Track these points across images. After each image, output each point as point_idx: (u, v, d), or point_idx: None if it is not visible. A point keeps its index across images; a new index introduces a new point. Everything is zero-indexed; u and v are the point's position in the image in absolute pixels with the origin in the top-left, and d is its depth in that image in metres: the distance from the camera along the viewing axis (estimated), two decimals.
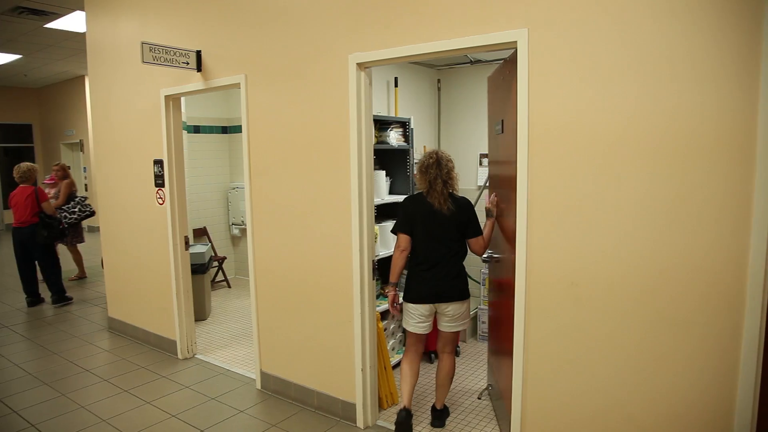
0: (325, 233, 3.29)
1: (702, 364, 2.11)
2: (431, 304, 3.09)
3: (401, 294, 3.24)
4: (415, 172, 3.25)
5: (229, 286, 6.93)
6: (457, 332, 3.22)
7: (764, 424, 2.11)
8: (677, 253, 2.12)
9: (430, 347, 4.05)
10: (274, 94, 3.44)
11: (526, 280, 2.51)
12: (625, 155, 2.20)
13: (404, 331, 4.33)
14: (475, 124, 5.20)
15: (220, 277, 6.97)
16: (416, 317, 3.13)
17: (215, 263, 6.79)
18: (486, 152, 5.16)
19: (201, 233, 6.90)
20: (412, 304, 3.12)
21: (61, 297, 6.05)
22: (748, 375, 2.03)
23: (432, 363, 4.19)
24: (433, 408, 3.29)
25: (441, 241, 3.06)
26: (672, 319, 2.15)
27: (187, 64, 3.83)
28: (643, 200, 2.17)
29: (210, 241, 6.89)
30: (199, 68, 3.89)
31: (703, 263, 2.07)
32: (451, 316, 3.10)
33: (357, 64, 3.01)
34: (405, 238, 3.11)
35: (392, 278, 3.16)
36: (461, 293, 3.09)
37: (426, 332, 3.18)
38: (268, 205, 3.59)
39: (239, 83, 3.63)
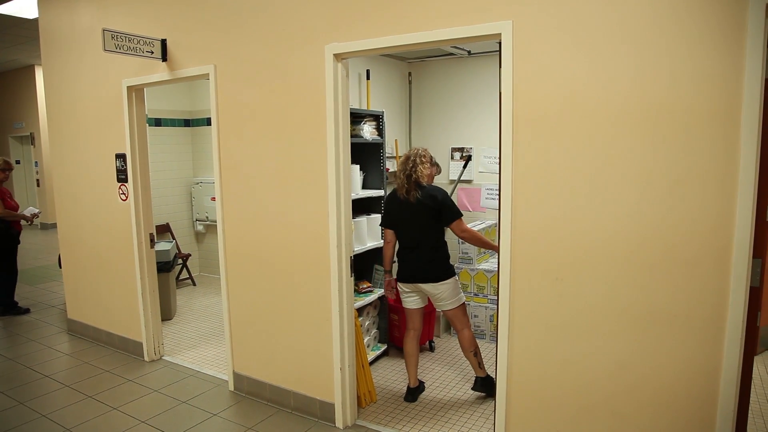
0: (302, 228, 3.20)
1: (685, 356, 2.14)
2: (412, 284, 3.47)
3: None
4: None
5: (194, 284, 6.73)
6: (455, 309, 3.49)
7: (744, 416, 2.15)
8: (664, 246, 2.13)
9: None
10: (247, 86, 3.31)
11: (510, 273, 2.49)
12: (612, 154, 2.20)
13: (383, 324, 4.32)
14: (446, 118, 5.18)
15: (184, 274, 6.76)
16: (406, 294, 3.55)
17: (180, 261, 6.58)
18: (458, 146, 5.16)
19: (164, 230, 6.66)
20: (400, 283, 3.55)
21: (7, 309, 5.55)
22: (730, 367, 2.06)
23: (433, 352, 4.40)
24: (477, 378, 3.60)
25: (415, 228, 3.43)
26: (657, 312, 2.17)
27: (152, 53, 3.66)
28: (628, 194, 2.18)
29: (173, 238, 6.67)
30: (164, 58, 3.71)
31: (689, 255, 2.09)
32: (433, 295, 3.47)
33: (334, 55, 2.92)
34: (389, 232, 3.56)
35: (385, 266, 3.64)
36: (436, 276, 3.40)
37: (418, 307, 3.57)
38: (241, 201, 3.46)
39: (208, 74, 3.48)
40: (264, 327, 3.47)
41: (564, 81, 2.26)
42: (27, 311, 5.59)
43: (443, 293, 3.41)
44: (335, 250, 3.06)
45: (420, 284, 3.43)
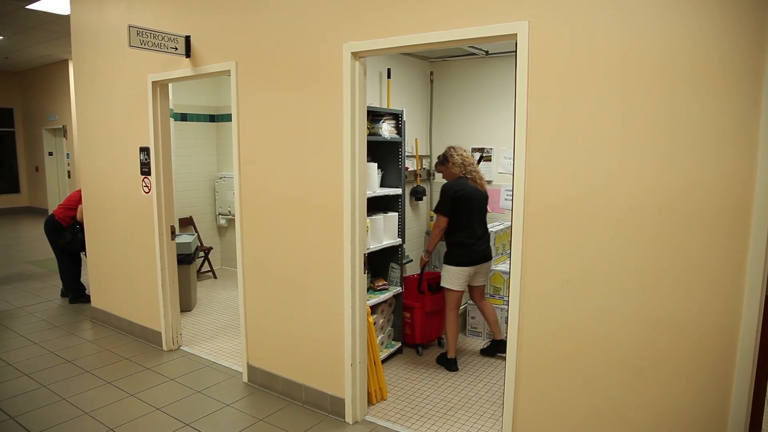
0: (316, 226, 3.23)
1: (698, 365, 2.10)
2: (480, 264, 4.05)
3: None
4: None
5: (215, 277, 6.84)
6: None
7: (757, 427, 2.11)
8: (676, 251, 2.10)
9: (417, 340, 4.36)
10: (266, 83, 3.36)
11: (521, 275, 2.48)
12: (626, 158, 2.17)
13: (397, 322, 4.34)
14: (466, 117, 5.16)
15: (206, 267, 6.88)
16: (465, 276, 4.00)
17: (201, 253, 6.70)
18: (478, 146, 5.14)
19: (187, 223, 6.80)
20: (466, 266, 3.98)
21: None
22: (743, 377, 2.02)
23: (420, 355, 4.36)
24: (495, 340, 4.28)
25: (483, 215, 4.12)
26: (669, 319, 2.13)
27: (176, 49, 3.73)
28: (643, 199, 2.15)
29: (196, 231, 6.80)
30: (188, 54, 3.78)
31: (701, 262, 2.05)
32: (488, 272, 4.24)
33: (352, 53, 2.95)
34: (444, 219, 4.00)
35: (430, 248, 4.17)
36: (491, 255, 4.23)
37: (465, 289, 4.13)
38: (258, 195, 3.52)
39: (229, 70, 3.54)
40: (278, 321, 3.52)
41: (580, 82, 2.24)
42: (88, 299, 5.47)
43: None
44: (349, 247, 3.09)
45: (485, 263, 4.10)
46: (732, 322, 2.02)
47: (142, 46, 3.54)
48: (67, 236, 5.40)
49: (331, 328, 3.23)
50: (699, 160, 2.02)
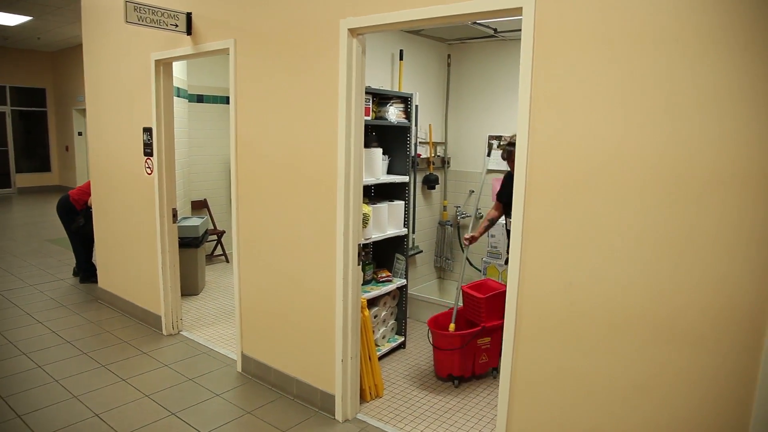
0: (309, 213, 3.07)
1: (710, 385, 1.86)
2: None
3: None
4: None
5: (228, 261, 6.79)
6: None
7: None
8: (689, 259, 1.86)
9: (454, 372, 3.56)
10: (263, 62, 3.20)
11: (519, 278, 2.27)
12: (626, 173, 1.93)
13: (398, 318, 4.17)
14: (484, 103, 4.90)
15: (218, 251, 6.83)
16: None
17: (213, 237, 6.65)
18: (496, 134, 4.88)
19: (201, 206, 6.75)
20: None
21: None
22: (764, 405, 1.77)
23: (456, 387, 3.56)
24: None
25: None
26: (679, 333, 1.90)
27: (176, 26, 3.60)
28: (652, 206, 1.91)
29: (210, 214, 6.74)
30: (189, 32, 3.65)
31: (720, 269, 1.81)
32: None
33: (349, 30, 2.75)
34: (500, 205, 3.86)
35: (480, 230, 3.92)
36: None
37: None
38: (253, 178, 3.38)
39: (228, 48, 3.39)
40: (271, 310, 3.39)
41: (587, 61, 2.00)
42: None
43: None
44: (341, 237, 2.92)
45: None
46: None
47: (140, 22, 3.42)
48: (80, 220, 5.39)
49: (323, 321, 3.08)
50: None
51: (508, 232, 3.78)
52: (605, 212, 2.00)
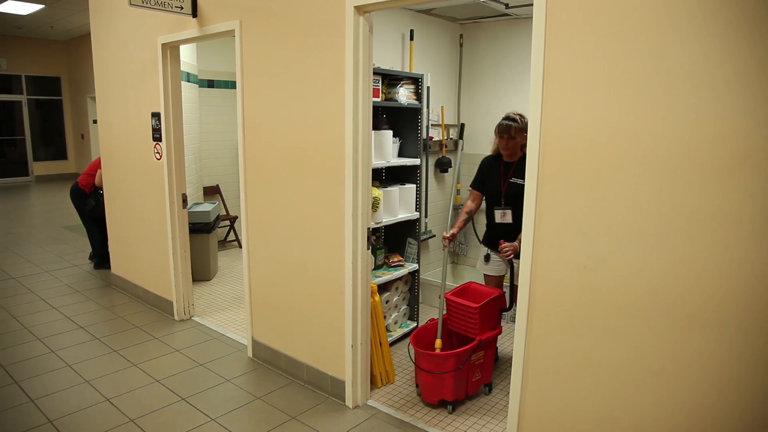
0: (318, 196, 3.02)
1: (731, 372, 1.78)
2: None
3: None
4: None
5: (241, 246, 6.76)
6: None
7: None
8: (711, 242, 1.76)
9: (447, 397, 3.00)
10: (268, 43, 3.13)
11: (531, 262, 2.19)
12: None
13: (410, 303, 4.12)
14: (499, 85, 4.78)
15: (231, 236, 6.83)
16: None
17: (226, 222, 6.65)
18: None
19: (213, 191, 6.74)
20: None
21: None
22: None
23: (451, 413, 3.01)
24: None
25: None
26: (699, 318, 1.81)
27: (181, 8, 3.54)
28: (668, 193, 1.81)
29: (222, 200, 6.73)
30: (194, 14, 3.59)
31: (744, 252, 1.71)
32: None
33: (355, 7, 2.66)
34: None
35: None
36: None
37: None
38: (261, 162, 3.33)
39: (234, 30, 3.32)
40: (281, 295, 3.36)
41: (602, 36, 1.90)
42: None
43: None
44: (350, 221, 2.86)
45: None
46: None
47: (144, 5, 3.36)
48: (90, 202, 5.42)
49: (332, 306, 3.04)
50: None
51: (492, 225, 3.39)
52: (622, 194, 1.91)
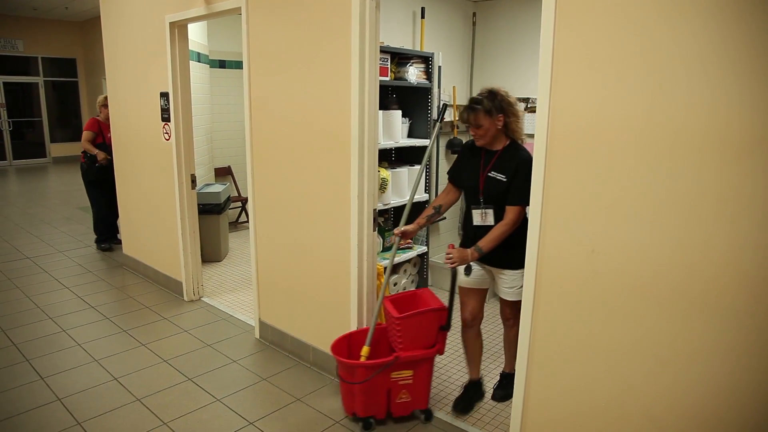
0: (323, 178, 2.97)
1: (743, 360, 1.71)
2: None
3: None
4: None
5: None
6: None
7: None
8: (724, 226, 1.68)
9: (357, 411, 2.68)
10: (275, 20, 3.07)
11: (538, 245, 2.13)
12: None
13: (418, 285, 4.08)
14: (514, 64, 4.66)
15: (243, 218, 6.84)
16: None
17: (237, 204, 6.65)
18: (524, 96, 4.65)
19: (225, 172, 6.73)
20: None
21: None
22: None
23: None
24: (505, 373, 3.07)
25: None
26: (710, 304, 1.74)
27: None
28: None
29: (234, 181, 6.73)
30: None
31: (754, 239, 1.63)
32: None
33: None
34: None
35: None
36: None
37: None
38: (267, 142, 3.29)
39: (240, 7, 3.27)
40: (288, 277, 3.34)
41: (615, 15, 1.81)
42: (110, 247, 5.69)
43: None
44: (356, 202, 2.82)
45: None
46: None
47: None
48: (83, 166, 5.43)
49: (337, 288, 3.02)
50: None
51: (468, 227, 2.75)
52: (632, 176, 1.83)
